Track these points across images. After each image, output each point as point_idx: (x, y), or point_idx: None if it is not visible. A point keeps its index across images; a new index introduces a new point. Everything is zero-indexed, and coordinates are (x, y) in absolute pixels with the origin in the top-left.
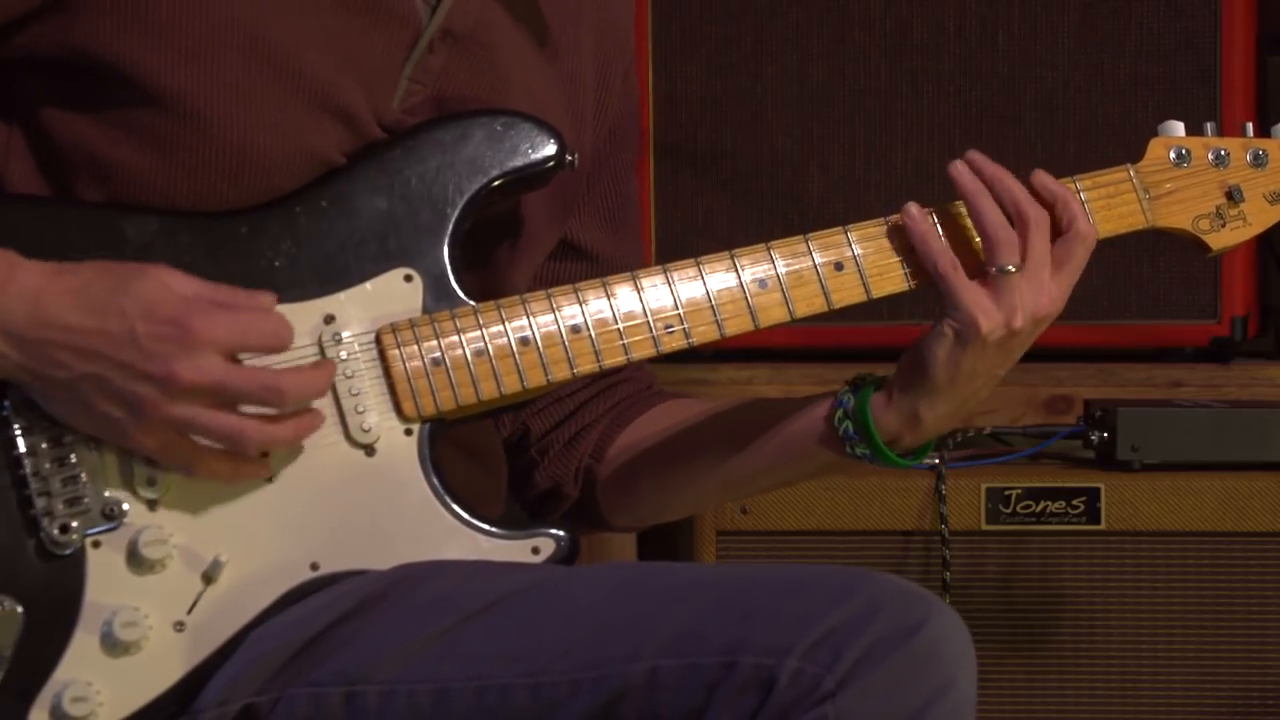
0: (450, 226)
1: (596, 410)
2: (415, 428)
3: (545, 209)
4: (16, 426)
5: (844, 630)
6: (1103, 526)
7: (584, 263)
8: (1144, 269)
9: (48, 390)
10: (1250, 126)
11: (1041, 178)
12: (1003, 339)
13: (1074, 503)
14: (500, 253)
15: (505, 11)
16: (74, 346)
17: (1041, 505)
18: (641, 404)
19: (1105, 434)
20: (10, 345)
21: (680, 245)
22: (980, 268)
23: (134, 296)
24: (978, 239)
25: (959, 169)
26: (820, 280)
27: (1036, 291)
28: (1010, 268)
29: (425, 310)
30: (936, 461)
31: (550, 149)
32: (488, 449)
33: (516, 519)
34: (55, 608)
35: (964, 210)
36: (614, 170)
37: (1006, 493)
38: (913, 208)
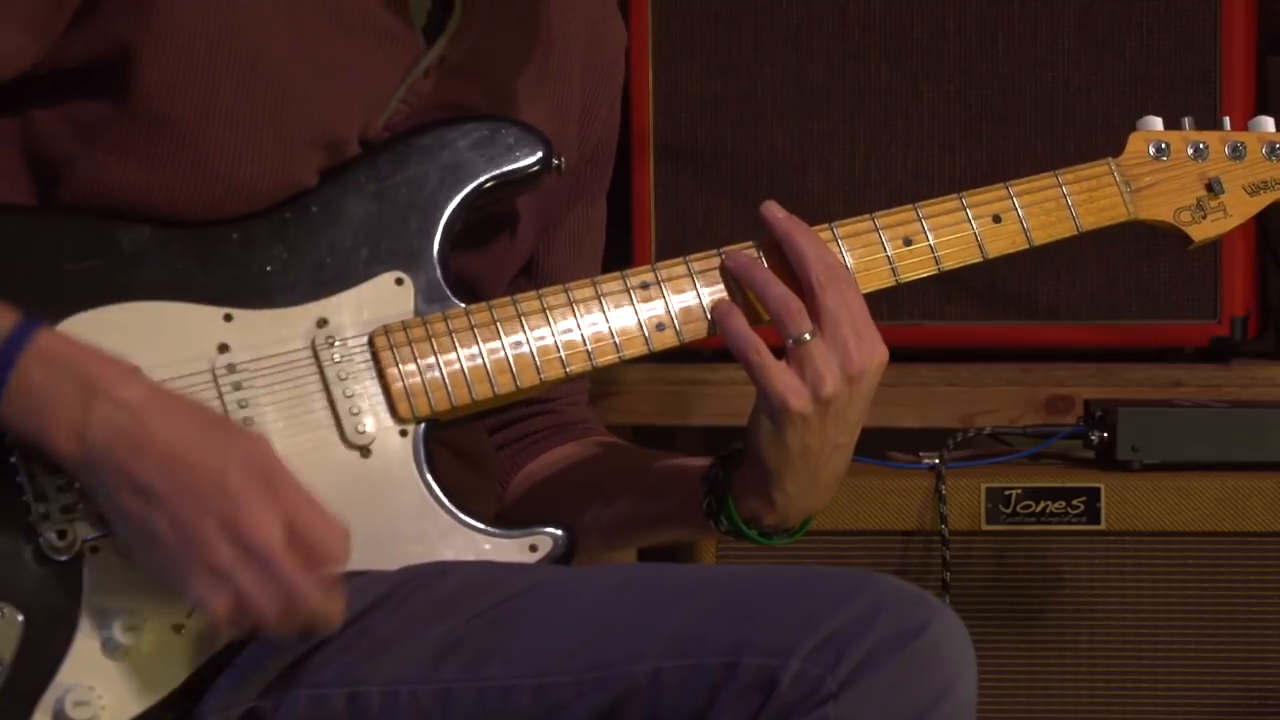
0: (440, 229)
1: (504, 437)
2: (410, 429)
3: (530, 221)
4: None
5: (846, 632)
6: (1103, 526)
7: (528, 280)
8: (1144, 269)
9: (117, 484)
10: (1228, 120)
11: (769, 212)
12: (821, 409)
13: (1074, 503)
14: (488, 259)
15: (502, 37)
16: (165, 454)
17: (1041, 505)
18: (552, 438)
19: (1105, 434)
20: (104, 429)
21: (680, 245)
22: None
23: (239, 438)
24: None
25: (732, 259)
26: None
27: (842, 351)
28: (806, 336)
29: (417, 312)
30: (936, 461)
31: (538, 153)
32: (478, 449)
33: (512, 518)
34: (55, 613)
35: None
36: (590, 196)
37: (1006, 493)
38: (729, 263)
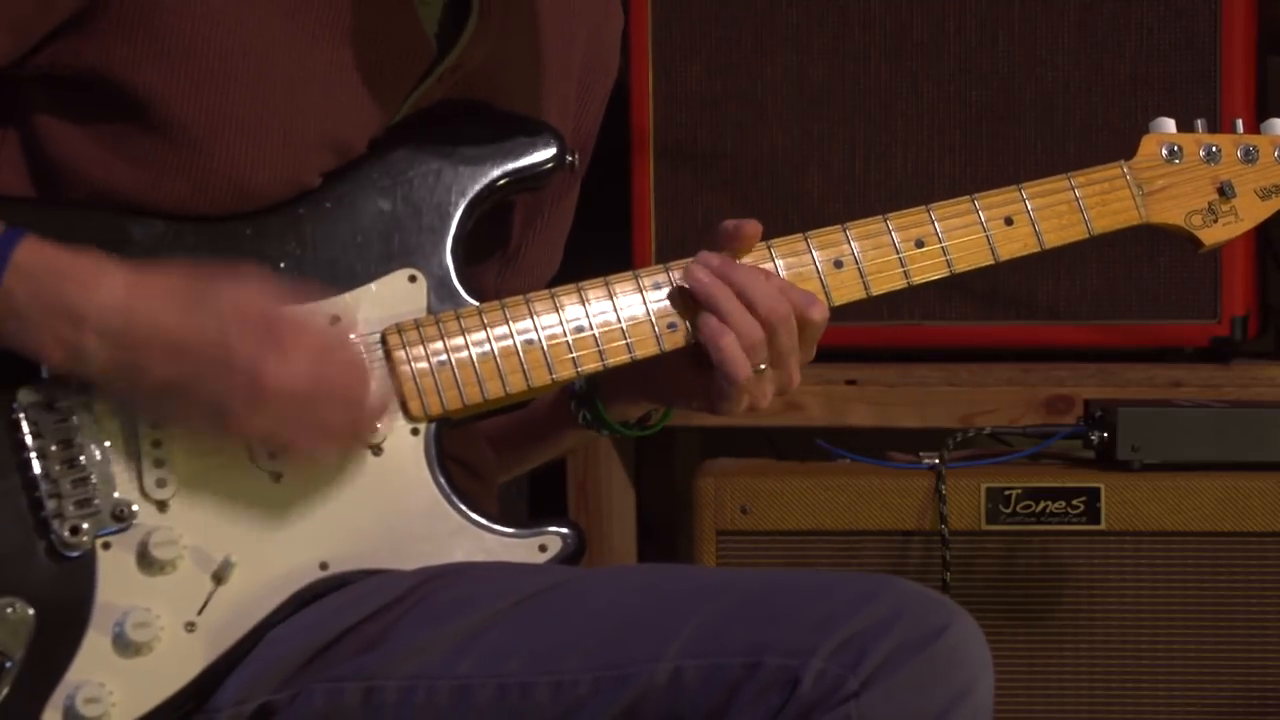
0: (453, 227)
1: None
2: (422, 427)
3: (519, 211)
4: (27, 429)
5: (868, 634)
6: (1103, 526)
7: (508, 266)
8: (1144, 269)
9: (136, 392)
10: (1240, 123)
11: (698, 269)
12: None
13: (1074, 503)
14: (477, 249)
15: (515, 42)
16: (165, 345)
17: (1041, 505)
18: None
19: (1105, 434)
20: (102, 343)
21: (680, 245)
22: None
23: (228, 297)
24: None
25: (698, 276)
26: (820, 277)
27: (786, 378)
28: (762, 366)
29: (430, 310)
30: (936, 461)
31: (551, 150)
32: (478, 458)
33: (517, 519)
34: (67, 609)
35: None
36: (572, 183)
37: (1006, 493)
38: (699, 274)
